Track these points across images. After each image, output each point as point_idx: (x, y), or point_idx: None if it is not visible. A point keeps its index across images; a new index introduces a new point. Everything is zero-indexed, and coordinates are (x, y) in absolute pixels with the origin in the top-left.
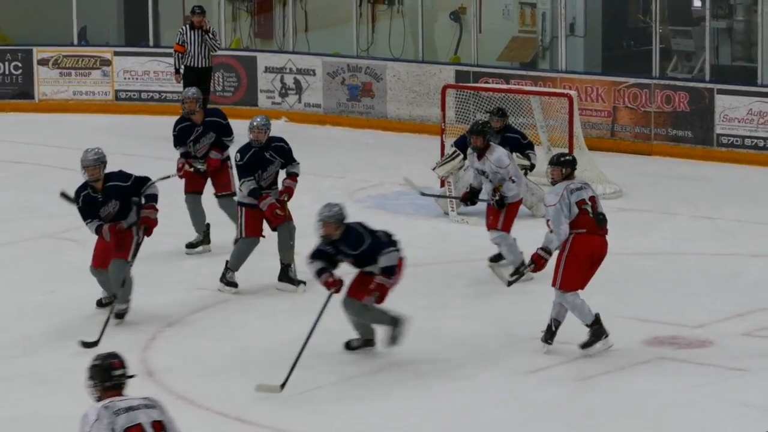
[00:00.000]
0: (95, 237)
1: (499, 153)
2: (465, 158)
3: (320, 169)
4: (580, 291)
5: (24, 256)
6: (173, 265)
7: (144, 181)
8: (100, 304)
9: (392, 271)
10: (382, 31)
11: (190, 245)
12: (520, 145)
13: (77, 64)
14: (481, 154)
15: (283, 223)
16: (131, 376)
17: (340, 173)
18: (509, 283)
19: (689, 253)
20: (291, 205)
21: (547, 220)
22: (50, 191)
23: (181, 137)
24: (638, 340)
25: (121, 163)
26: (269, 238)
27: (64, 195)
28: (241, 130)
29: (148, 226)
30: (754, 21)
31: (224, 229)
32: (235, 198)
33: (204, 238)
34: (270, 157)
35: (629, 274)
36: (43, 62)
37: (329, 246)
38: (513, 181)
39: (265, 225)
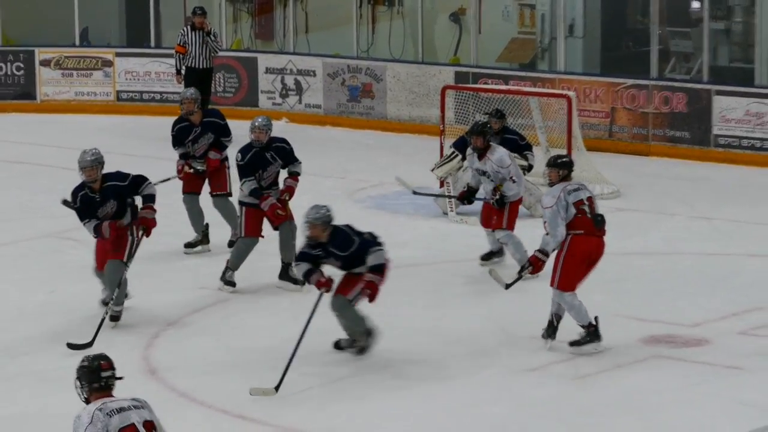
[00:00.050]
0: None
1: (500, 153)
2: (463, 159)
3: (321, 170)
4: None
5: (26, 255)
6: (174, 265)
7: (141, 180)
8: (105, 304)
9: (381, 269)
10: (382, 33)
11: (189, 245)
12: (518, 146)
13: (79, 64)
14: (482, 154)
15: (284, 222)
16: (119, 378)
17: (340, 173)
18: (507, 286)
19: (686, 253)
20: (292, 205)
21: (544, 222)
22: (52, 191)
23: (179, 137)
24: (636, 339)
25: (122, 164)
26: (269, 238)
27: (65, 202)
28: (242, 131)
29: (147, 227)
30: (752, 23)
31: (223, 229)
32: (231, 198)
33: (203, 238)
34: (270, 158)
35: (627, 273)
36: (45, 63)
37: (318, 248)
38: (513, 181)
39: (266, 225)
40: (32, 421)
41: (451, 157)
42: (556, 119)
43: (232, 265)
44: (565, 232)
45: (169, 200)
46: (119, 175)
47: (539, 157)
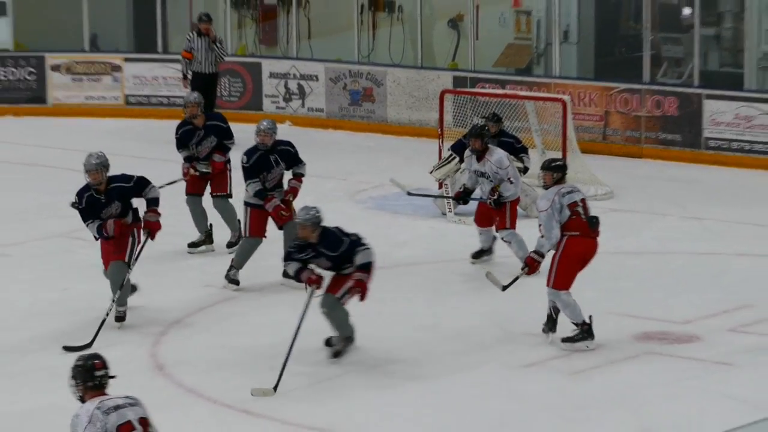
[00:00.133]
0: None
1: (499, 154)
2: (461, 161)
3: (323, 172)
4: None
5: (37, 255)
6: (179, 264)
7: (146, 183)
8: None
9: (368, 268)
10: (382, 38)
11: (193, 245)
12: (515, 148)
13: (89, 70)
14: (480, 156)
15: (288, 222)
16: (113, 377)
17: (342, 175)
18: (504, 288)
19: (678, 252)
20: (295, 205)
21: (539, 225)
22: (63, 192)
23: (183, 140)
24: (628, 336)
25: (130, 166)
26: (272, 238)
27: (73, 204)
28: (247, 135)
29: (151, 230)
30: (741, 29)
31: (226, 230)
32: (231, 199)
33: (206, 238)
34: (275, 161)
35: (620, 272)
36: (55, 68)
37: (308, 248)
38: (511, 182)
39: (270, 226)
40: (42, 417)
41: (449, 159)
42: (551, 122)
43: (237, 264)
44: (559, 234)
45: (175, 202)
46: (124, 177)
47: (535, 160)
